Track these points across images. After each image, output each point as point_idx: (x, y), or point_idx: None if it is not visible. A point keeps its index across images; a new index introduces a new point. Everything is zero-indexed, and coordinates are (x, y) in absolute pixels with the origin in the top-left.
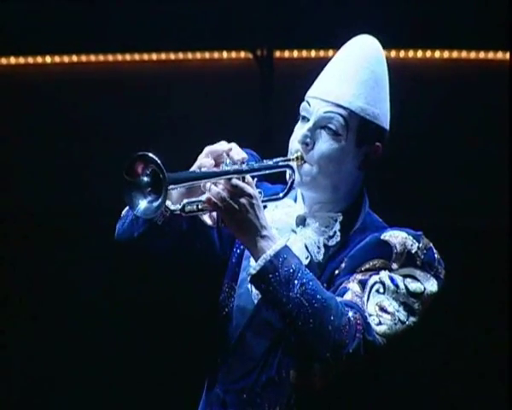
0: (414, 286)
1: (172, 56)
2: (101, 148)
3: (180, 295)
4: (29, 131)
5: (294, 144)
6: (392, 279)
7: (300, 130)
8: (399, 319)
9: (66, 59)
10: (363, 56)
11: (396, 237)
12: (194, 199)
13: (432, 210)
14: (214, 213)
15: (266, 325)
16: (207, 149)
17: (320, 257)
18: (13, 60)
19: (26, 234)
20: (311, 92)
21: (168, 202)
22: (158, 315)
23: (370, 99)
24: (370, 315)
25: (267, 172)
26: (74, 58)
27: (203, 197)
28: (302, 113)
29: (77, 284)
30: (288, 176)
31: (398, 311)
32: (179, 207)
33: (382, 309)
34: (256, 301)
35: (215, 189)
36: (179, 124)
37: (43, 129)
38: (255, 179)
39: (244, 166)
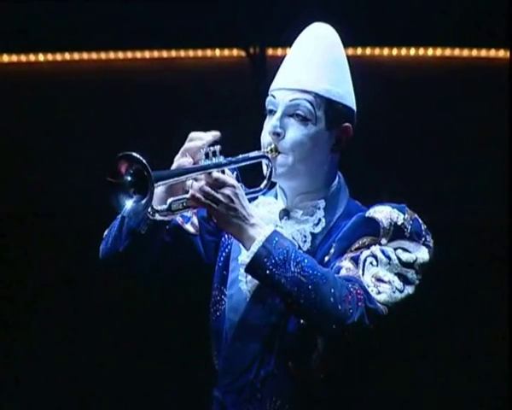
0: (405, 256)
1: (165, 54)
2: (97, 147)
3: (173, 303)
4: (35, 129)
5: (266, 138)
6: (383, 252)
7: (269, 122)
8: (397, 288)
9: (58, 57)
10: (319, 42)
11: (381, 211)
12: (179, 197)
13: (431, 209)
14: (196, 221)
15: (261, 320)
16: (182, 149)
17: (308, 246)
18: (6, 58)
19: (32, 234)
20: (274, 85)
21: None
22: (158, 320)
23: (333, 80)
24: (368, 286)
25: (244, 163)
26: (67, 56)
27: (188, 194)
28: (269, 107)
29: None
30: (265, 168)
31: (393, 281)
32: (165, 206)
33: (379, 279)
34: (248, 300)
35: (197, 184)
36: (171, 121)
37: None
38: (235, 173)
39: (222, 160)
